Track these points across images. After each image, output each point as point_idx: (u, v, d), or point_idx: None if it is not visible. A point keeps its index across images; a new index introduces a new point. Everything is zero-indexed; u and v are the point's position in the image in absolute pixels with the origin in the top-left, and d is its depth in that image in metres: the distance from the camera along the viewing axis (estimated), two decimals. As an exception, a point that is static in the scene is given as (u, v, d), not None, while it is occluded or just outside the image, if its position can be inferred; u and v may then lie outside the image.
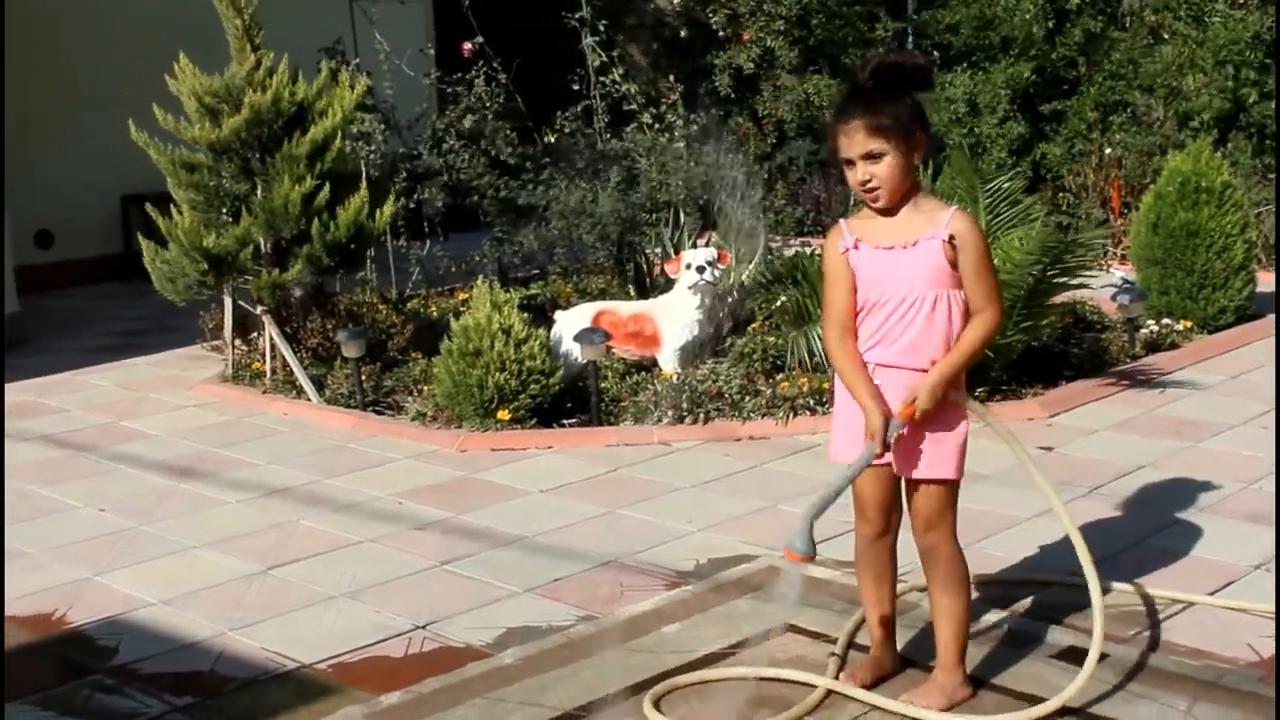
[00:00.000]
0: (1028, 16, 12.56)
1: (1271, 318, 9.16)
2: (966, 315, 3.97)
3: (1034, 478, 4.03)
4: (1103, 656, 4.40)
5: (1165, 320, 8.73)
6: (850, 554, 4.76)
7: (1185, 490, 6.03)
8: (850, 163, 3.93)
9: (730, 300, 8.49)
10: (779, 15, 13.82)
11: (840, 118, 3.92)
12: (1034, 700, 4.13)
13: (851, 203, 12.29)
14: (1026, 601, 4.91)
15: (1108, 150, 11.69)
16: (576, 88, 10.40)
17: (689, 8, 15.32)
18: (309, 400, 7.92)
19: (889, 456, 4.00)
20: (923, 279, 3.94)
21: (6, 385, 8.51)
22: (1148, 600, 4.88)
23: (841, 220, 4.11)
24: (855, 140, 3.89)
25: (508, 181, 9.80)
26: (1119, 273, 9.71)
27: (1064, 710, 4.06)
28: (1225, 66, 11.62)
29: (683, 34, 14.91)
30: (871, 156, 3.88)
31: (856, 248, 3.99)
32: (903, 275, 3.95)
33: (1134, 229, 9.34)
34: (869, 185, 3.91)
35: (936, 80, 11.82)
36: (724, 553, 5.52)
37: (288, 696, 4.42)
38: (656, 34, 15.49)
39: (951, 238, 3.92)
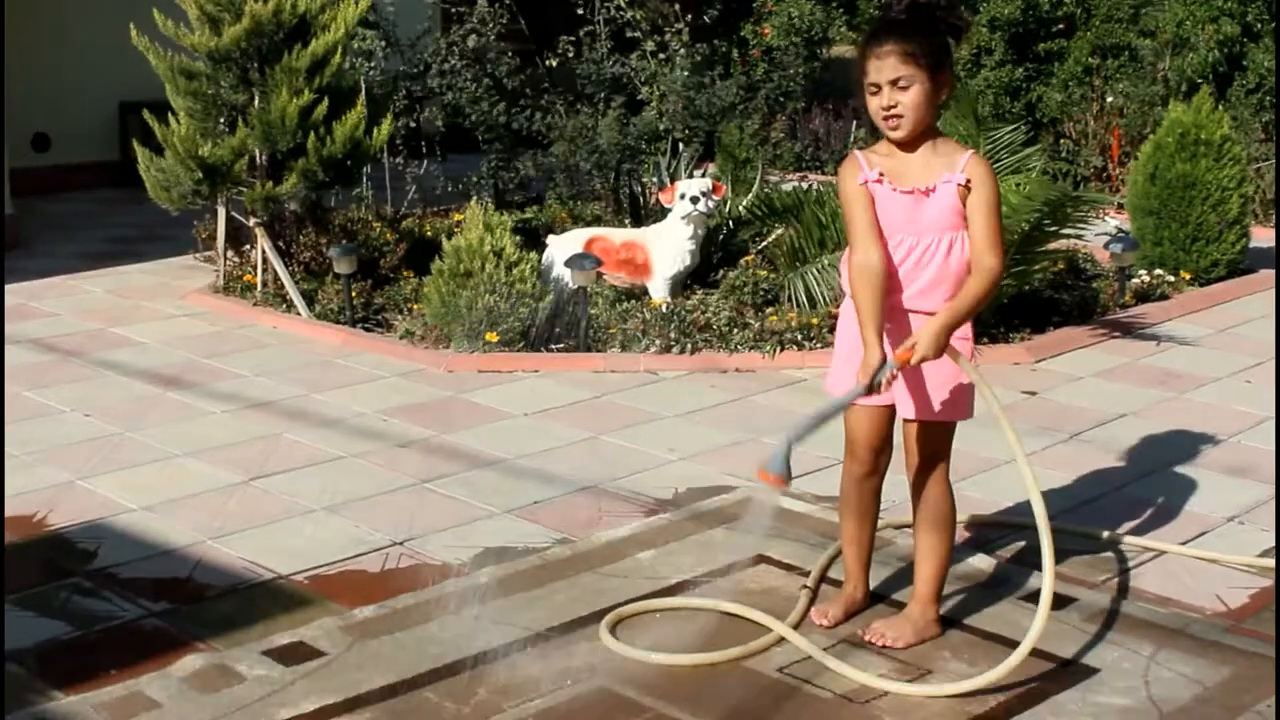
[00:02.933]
0: None
1: (1264, 273, 9.19)
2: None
3: (1004, 431, 4.01)
4: (1071, 601, 4.47)
5: (1158, 271, 8.74)
6: (828, 489, 4.81)
7: (1166, 441, 6.07)
8: (876, 88, 3.90)
9: (724, 232, 8.51)
10: None
11: (872, 42, 3.90)
12: (1001, 640, 4.18)
13: (851, 140, 12.29)
14: (999, 544, 4.95)
15: (1109, 99, 11.65)
16: (580, 12, 10.35)
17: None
18: (299, 314, 7.94)
19: (881, 398, 4.01)
20: (939, 224, 3.94)
21: (-2, 287, 8.52)
22: (1120, 547, 4.92)
23: (857, 152, 4.07)
24: (886, 65, 3.86)
25: (507, 107, 9.77)
26: (1114, 221, 9.71)
27: (1032, 652, 4.10)
28: (1221, 20, 11.57)
29: None
30: (899, 84, 3.86)
31: (880, 182, 3.97)
32: (920, 221, 3.95)
33: (1131, 178, 9.33)
34: (893, 111, 3.89)
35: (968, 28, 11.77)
36: (703, 482, 5.55)
37: (264, 606, 4.46)
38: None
39: (968, 181, 3.92)
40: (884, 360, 3.87)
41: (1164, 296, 8.50)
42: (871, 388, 3.87)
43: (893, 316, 4.00)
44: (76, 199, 11.97)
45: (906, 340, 3.90)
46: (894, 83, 3.86)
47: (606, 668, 4.06)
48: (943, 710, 3.85)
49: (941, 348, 3.86)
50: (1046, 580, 3.88)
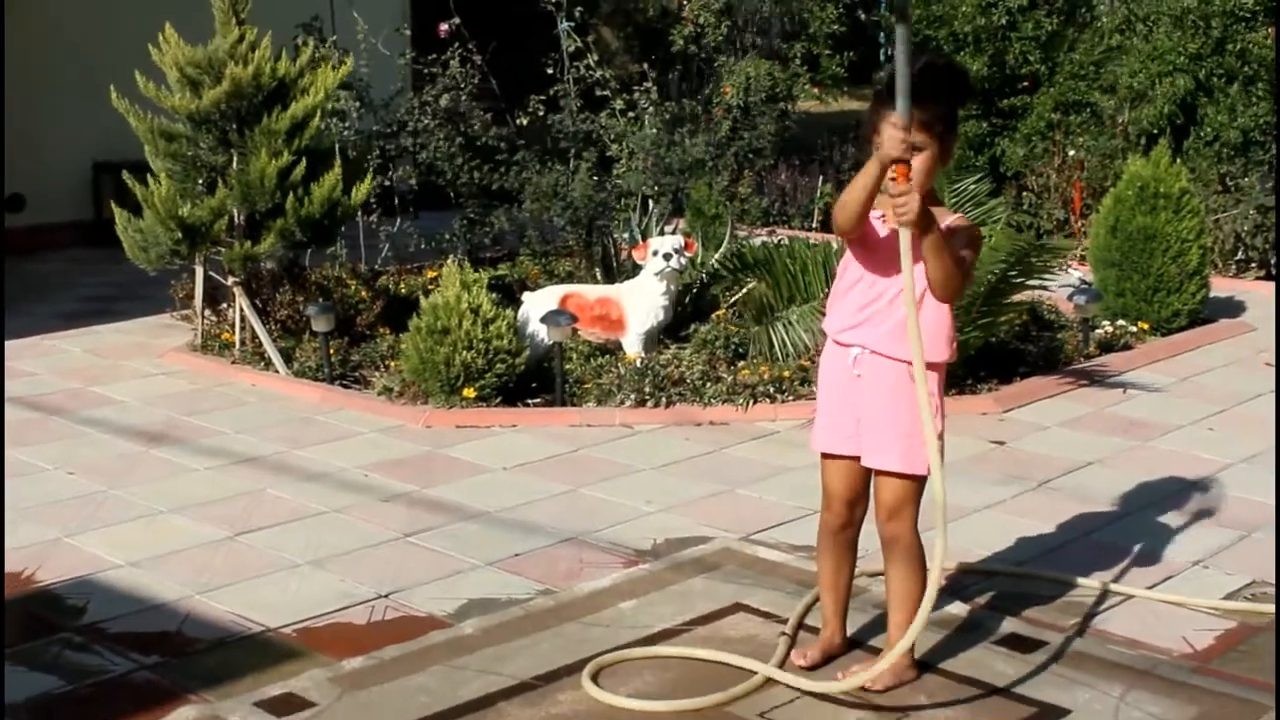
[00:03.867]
0: (966, 9, 12.69)
1: (1224, 322, 9.37)
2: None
3: (934, 483, 4.10)
4: (1041, 644, 4.59)
5: (1120, 321, 8.91)
6: (804, 538, 4.93)
7: (1132, 487, 6.20)
8: None
9: (696, 287, 8.65)
10: None
11: (889, 103, 3.93)
12: (974, 683, 4.30)
13: (818, 194, 12.48)
14: (972, 590, 5.07)
15: (1070, 152, 11.87)
16: (550, 72, 10.51)
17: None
18: (277, 372, 8.02)
19: (850, 449, 4.16)
20: (921, 267, 4.04)
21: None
22: (1089, 592, 5.04)
23: None
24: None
25: (480, 165, 9.91)
26: (1077, 273, 9.89)
27: (1004, 693, 4.22)
28: (1176, 75, 11.81)
29: (650, 14, 15.12)
30: (914, 147, 3.95)
31: (882, 219, 4.10)
32: (899, 260, 4.03)
33: (1093, 231, 9.52)
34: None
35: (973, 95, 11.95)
36: (681, 533, 5.66)
37: (253, 658, 4.54)
38: (631, 18, 15.63)
39: (951, 229, 4.05)
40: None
41: (1127, 346, 8.67)
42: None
43: (863, 362, 4.13)
44: (52, 259, 12.03)
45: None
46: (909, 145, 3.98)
47: (590, 715, 4.16)
48: (920, 751, 3.96)
49: (924, 220, 3.88)
50: (931, 584, 4.02)
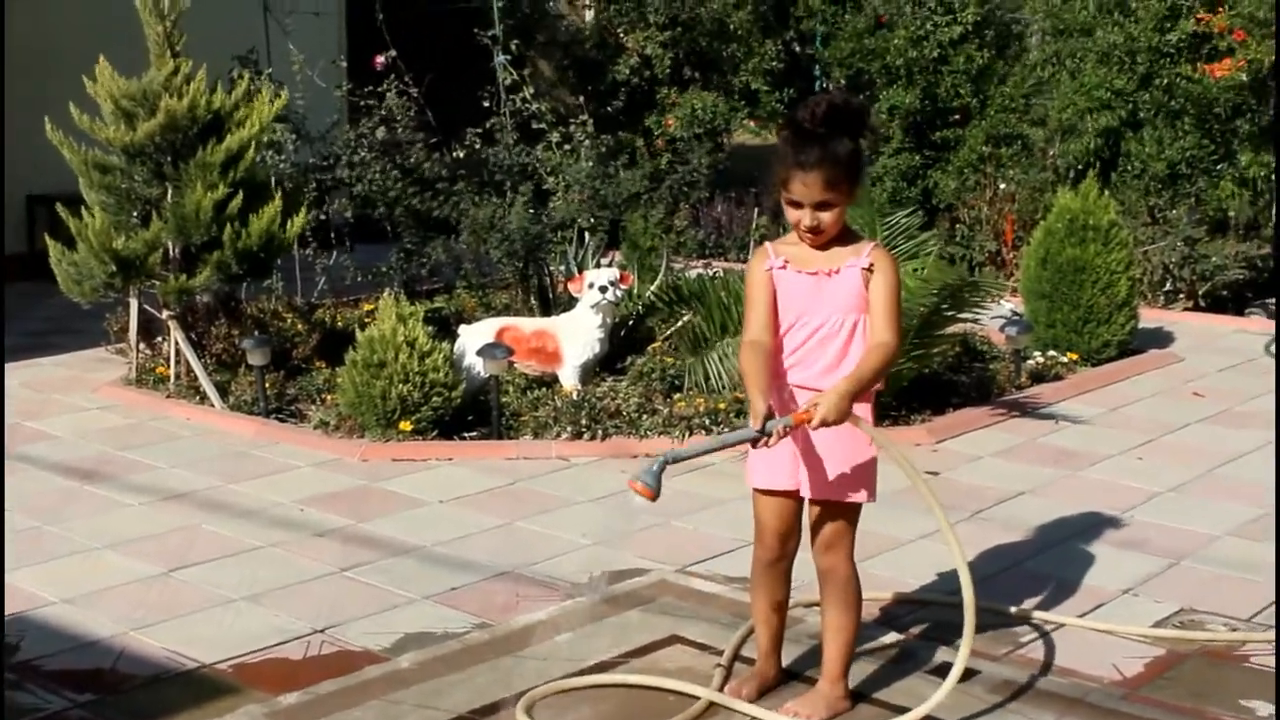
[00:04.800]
0: (898, 43, 12.84)
1: (1153, 352, 9.50)
2: None
3: (931, 506, 4.23)
4: (975, 674, 4.64)
5: (1051, 352, 9.03)
6: (739, 570, 4.96)
7: (1063, 517, 6.29)
8: (798, 205, 4.07)
9: (632, 320, 8.69)
10: (657, 24, 14.25)
11: (798, 164, 4.01)
12: (907, 713, 4.33)
13: (754, 226, 12.55)
14: (908, 620, 5.12)
15: (1002, 185, 12.01)
16: (487, 104, 10.54)
17: (600, 26, 15.57)
18: (213, 406, 8.00)
19: (786, 482, 4.22)
20: (842, 304, 4.13)
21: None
22: (1021, 621, 5.11)
23: (767, 243, 4.27)
24: (812, 190, 4.01)
25: (419, 193, 9.91)
26: (1009, 305, 10.01)
27: (937, 724, 4.28)
28: (1102, 111, 11.99)
29: (586, 49, 15.21)
30: (823, 205, 4.04)
31: (784, 268, 4.16)
32: (824, 300, 4.14)
33: (1024, 263, 9.65)
34: (817, 230, 4.08)
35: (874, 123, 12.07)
36: (617, 566, 5.69)
37: (188, 695, 4.53)
38: (568, 51, 15.69)
39: (870, 265, 4.11)
40: (772, 413, 3.98)
41: (1058, 377, 8.77)
42: (764, 432, 3.94)
43: (799, 397, 4.17)
44: (-17, 293, 11.93)
45: (807, 403, 4.03)
46: (819, 205, 4.04)
47: (528, 748, 4.18)
48: (854, 781, 4.00)
49: (844, 413, 3.99)
50: (964, 645, 4.07)
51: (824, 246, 4.15)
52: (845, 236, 4.18)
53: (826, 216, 4.06)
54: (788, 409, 4.11)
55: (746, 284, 4.26)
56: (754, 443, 3.98)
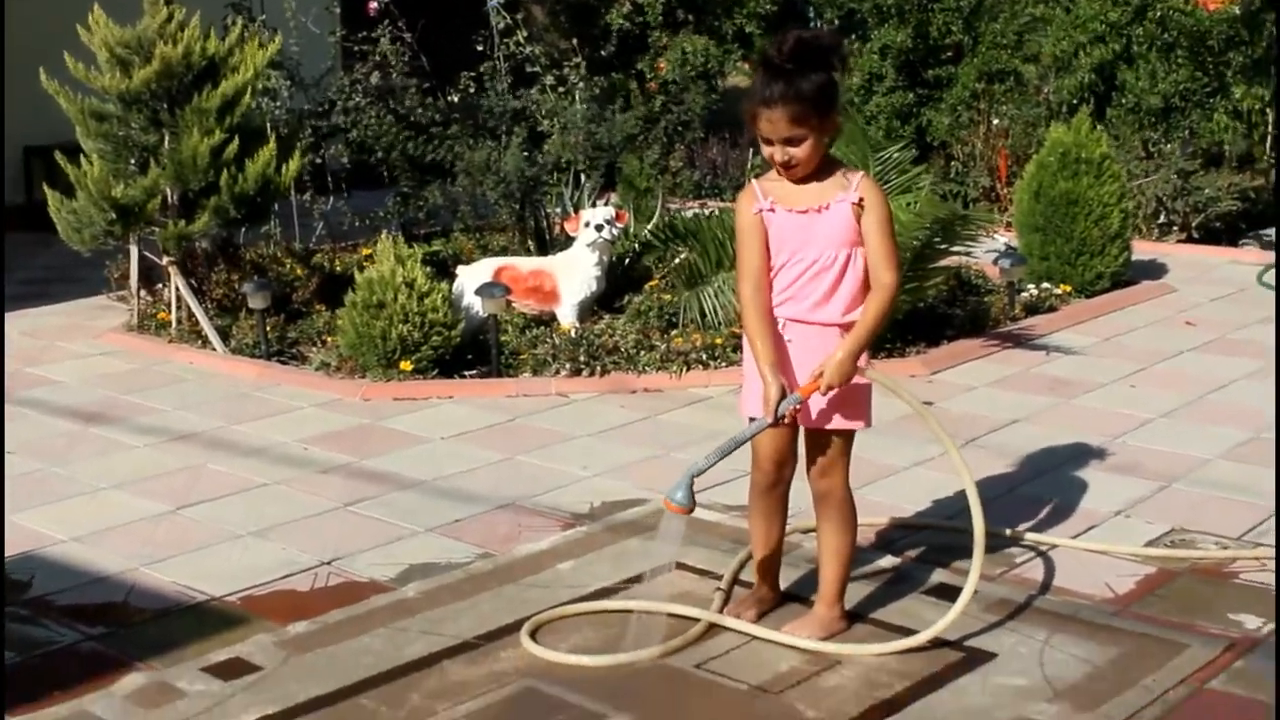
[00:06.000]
0: None
1: (1145, 284, 9.57)
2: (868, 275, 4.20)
3: (939, 437, 4.32)
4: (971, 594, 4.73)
5: (1045, 284, 9.09)
6: (738, 498, 5.04)
7: (1055, 443, 6.37)
8: (769, 141, 4.11)
9: (628, 258, 8.75)
10: None
11: (763, 100, 4.04)
12: (905, 632, 4.43)
13: (749, 167, 12.59)
14: (903, 544, 5.21)
15: (995, 121, 12.04)
16: (480, 49, 10.56)
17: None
18: (214, 350, 8.07)
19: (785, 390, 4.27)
20: (834, 240, 4.16)
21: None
22: (1015, 543, 5.20)
23: (754, 181, 4.29)
24: (778, 125, 4.05)
25: (413, 138, 9.95)
26: (1002, 238, 10.07)
27: (936, 641, 4.36)
28: (1097, 44, 12.01)
29: None
30: (792, 141, 4.08)
31: (773, 210, 4.21)
32: (816, 237, 4.17)
33: (1017, 197, 9.70)
34: (789, 165, 4.12)
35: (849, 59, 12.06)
36: (617, 496, 5.78)
37: (199, 626, 4.62)
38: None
39: (860, 200, 4.16)
40: (784, 392, 4.08)
41: (1052, 309, 8.84)
42: (776, 420, 4.09)
43: (791, 330, 4.23)
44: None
45: (814, 369, 4.12)
46: (787, 140, 4.08)
47: (532, 671, 4.27)
48: (850, 696, 4.09)
49: (848, 375, 4.09)
50: (975, 567, 4.20)
51: (806, 180, 4.18)
52: (829, 167, 4.20)
53: (797, 151, 4.08)
54: (783, 333, 4.19)
55: (737, 226, 4.28)
56: (775, 424, 4.11)
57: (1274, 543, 5.12)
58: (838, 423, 4.31)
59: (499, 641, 4.45)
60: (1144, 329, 8.52)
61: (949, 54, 13.05)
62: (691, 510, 4.07)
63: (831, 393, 4.17)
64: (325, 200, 10.49)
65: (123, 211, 7.98)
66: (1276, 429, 6.36)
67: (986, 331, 8.24)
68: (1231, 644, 4.37)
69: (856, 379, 4.22)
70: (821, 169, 4.19)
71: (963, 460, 4.33)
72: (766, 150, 4.14)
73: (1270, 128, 11.85)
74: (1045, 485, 5.85)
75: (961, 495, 5.62)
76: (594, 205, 9.14)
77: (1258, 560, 5.01)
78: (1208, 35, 11.71)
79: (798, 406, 4.10)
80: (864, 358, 4.25)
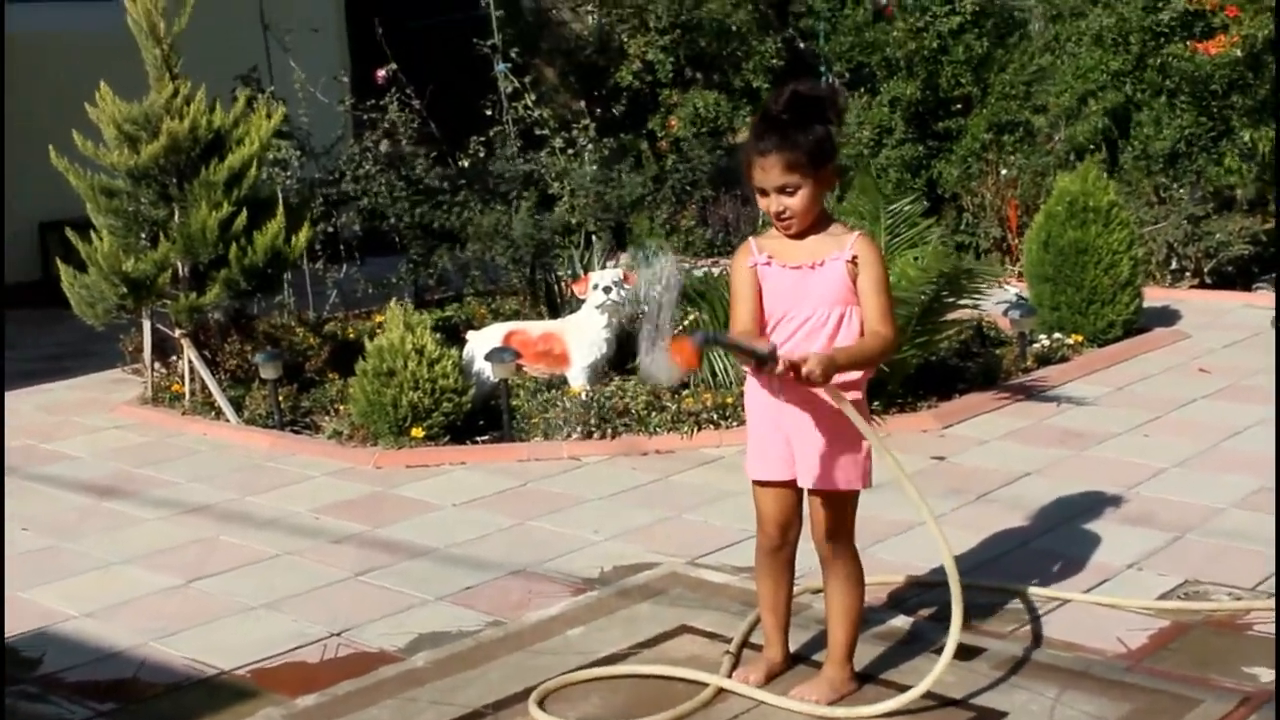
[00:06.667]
0: (898, 35, 12.88)
1: (1158, 331, 9.54)
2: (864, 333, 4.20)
3: (917, 505, 4.24)
4: (981, 651, 4.71)
5: (1056, 334, 9.08)
6: (748, 560, 5.03)
7: (1067, 495, 6.34)
8: (764, 192, 4.14)
9: (638, 319, 8.75)
10: (658, 29, 14.33)
11: (758, 149, 4.09)
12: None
13: (760, 223, 12.61)
14: (914, 602, 5.19)
15: (1004, 171, 12.05)
16: (490, 113, 10.63)
17: (603, 32, 15.65)
18: (228, 421, 8.10)
19: (783, 474, 4.29)
20: (828, 297, 4.18)
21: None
22: (1027, 598, 5.17)
23: (751, 238, 4.33)
24: (771, 174, 4.09)
25: (423, 204, 10.01)
26: (1013, 289, 10.06)
27: (944, 700, 4.34)
28: (1102, 93, 12.04)
29: (588, 55, 15.31)
30: (786, 190, 4.11)
31: (769, 264, 4.23)
32: (810, 293, 4.18)
33: (1026, 247, 9.70)
34: (783, 216, 4.15)
35: (847, 111, 12.09)
36: (628, 560, 5.77)
37: (209, 700, 4.62)
38: (571, 58, 15.78)
39: (854, 258, 4.17)
40: (775, 350, 4.02)
41: (1064, 359, 8.82)
42: (773, 356, 3.98)
43: (786, 390, 4.23)
44: (0, 320, 12.06)
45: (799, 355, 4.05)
46: (781, 189, 4.11)
47: (541, 739, 4.26)
48: (861, 759, 4.07)
49: (827, 373, 3.99)
50: (955, 621, 4.14)
51: (802, 236, 4.20)
52: (824, 224, 4.23)
53: (792, 202, 4.11)
54: (779, 392, 4.19)
55: (731, 281, 4.32)
56: (760, 363, 4.01)
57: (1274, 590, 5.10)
58: (837, 483, 4.29)
59: (508, 710, 4.44)
60: (1157, 376, 8.49)
61: (958, 105, 13.08)
62: (700, 361, 4.02)
63: (831, 442, 4.18)
64: (339, 268, 10.54)
65: (134, 285, 8.04)
66: (1277, 480, 6.32)
67: (998, 384, 8.23)
68: (1246, 698, 4.34)
69: (856, 441, 4.21)
70: (818, 225, 4.21)
71: (939, 530, 4.24)
72: (762, 202, 4.17)
73: (1275, 173, 11.81)
74: (1058, 539, 5.83)
75: (973, 552, 5.65)
76: (603, 267, 9.16)
77: (1271, 610, 4.97)
78: (1210, 80, 11.72)
79: (790, 365, 3.98)
80: (859, 401, 4.23)
